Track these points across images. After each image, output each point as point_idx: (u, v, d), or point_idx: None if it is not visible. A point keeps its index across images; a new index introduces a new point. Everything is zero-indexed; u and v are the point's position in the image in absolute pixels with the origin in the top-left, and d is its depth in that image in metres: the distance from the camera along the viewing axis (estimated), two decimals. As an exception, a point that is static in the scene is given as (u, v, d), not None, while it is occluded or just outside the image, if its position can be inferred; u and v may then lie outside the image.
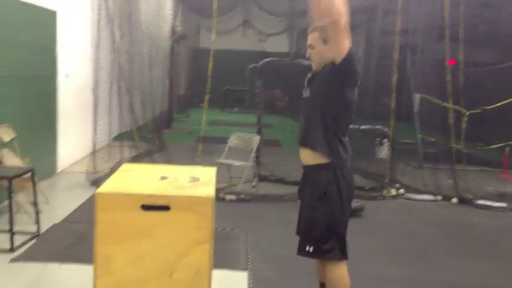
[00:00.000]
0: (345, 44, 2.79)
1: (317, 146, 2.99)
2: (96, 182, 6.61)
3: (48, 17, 6.59)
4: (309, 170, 3.09)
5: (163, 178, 3.08)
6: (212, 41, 7.23)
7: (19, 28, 5.71)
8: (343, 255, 3.00)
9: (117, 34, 7.23)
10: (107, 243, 2.71)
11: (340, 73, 2.86)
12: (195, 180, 3.08)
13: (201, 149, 6.98)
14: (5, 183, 4.28)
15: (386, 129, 7.16)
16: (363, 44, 13.19)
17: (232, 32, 15.23)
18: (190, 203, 2.72)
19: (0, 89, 5.36)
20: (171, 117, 13.54)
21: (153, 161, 7.07)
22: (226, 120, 14.28)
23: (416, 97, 8.49)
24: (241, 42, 18.18)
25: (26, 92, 5.96)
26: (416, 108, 8.56)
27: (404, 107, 8.83)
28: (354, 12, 2.96)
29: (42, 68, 6.49)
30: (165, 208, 2.72)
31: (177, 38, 13.51)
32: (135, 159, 7.31)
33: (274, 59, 7.16)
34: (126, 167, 3.41)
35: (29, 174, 4.59)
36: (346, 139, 3.03)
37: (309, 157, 3.06)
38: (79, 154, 7.99)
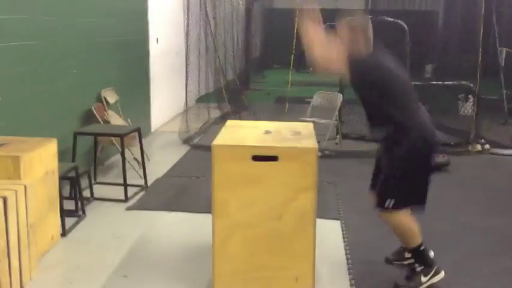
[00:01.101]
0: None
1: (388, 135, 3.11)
2: (188, 140, 7.06)
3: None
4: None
5: (267, 132, 3.37)
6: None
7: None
8: (421, 205, 3.12)
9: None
10: (223, 189, 3.03)
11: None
12: (297, 134, 3.36)
13: (287, 107, 7.25)
14: (117, 140, 4.74)
15: (471, 85, 7.10)
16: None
17: (306, -9, 15.21)
18: (296, 153, 3.00)
19: (104, 54, 5.81)
20: (248, 79, 13.86)
21: (241, 119, 7.40)
22: (302, 81, 14.40)
23: (502, 51, 8.30)
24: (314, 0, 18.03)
25: (123, 57, 6.40)
26: (501, 63, 8.37)
27: (490, 62, 8.64)
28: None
29: (136, 33, 6.92)
30: (273, 158, 3.01)
31: (251, -1, 13.67)
32: (223, 118, 7.68)
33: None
34: (231, 123, 3.72)
35: (135, 133, 5.04)
36: (418, 112, 3.11)
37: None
38: (168, 115, 8.48)
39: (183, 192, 4.98)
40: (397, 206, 3.08)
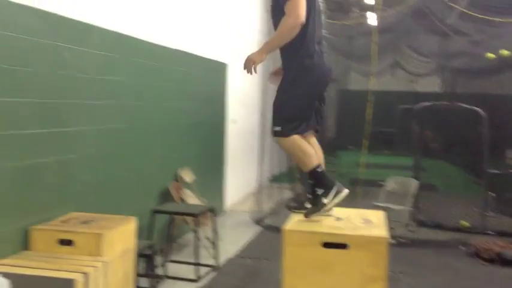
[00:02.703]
0: None
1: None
2: (260, 221, 7.12)
3: (220, 69, 7.40)
4: (284, 59, 3.39)
5: (338, 219, 3.38)
6: (370, 85, 7.49)
7: (198, 80, 6.51)
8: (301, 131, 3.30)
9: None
10: (293, 275, 3.04)
11: None
12: (368, 222, 3.34)
13: (359, 192, 7.20)
14: (191, 219, 4.88)
15: None
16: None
17: (381, 74, 15.34)
18: (367, 242, 2.98)
19: (183, 135, 6.12)
20: (321, 159, 13.91)
21: (312, 202, 7.39)
22: (376, 163, 14.30)
23: None
24: (389, 82, 18.19)
25: (201, 137, 6.70)
26: None
27: None
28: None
29: (214, 115, 7.25)
30: (343, 246, 3.01)
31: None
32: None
33: (436, 103, 7.20)
34: (302, 207, 3.77)
35: (209, 212, 5.18)
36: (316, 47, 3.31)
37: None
38: (241, 194, 8.64)
39: (253, 274, 4.99)
40: (284, 133, 3.25)
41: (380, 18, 8.71)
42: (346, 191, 3.30)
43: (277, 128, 3.29)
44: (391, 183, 7.04)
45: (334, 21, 9.08)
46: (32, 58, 3.50)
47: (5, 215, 3.24)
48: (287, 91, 3.33)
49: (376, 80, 13.92)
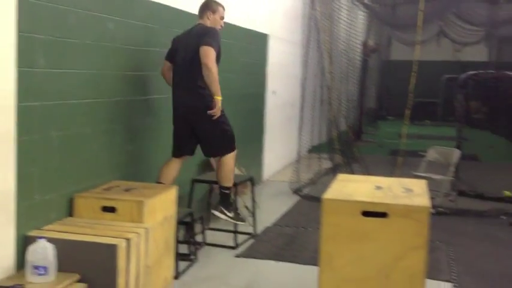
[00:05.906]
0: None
1: None
2: (298, 191, 7.14)
3: (261, 40, 7.35)
4: None
5: (378, 188, 3.36)
6: (415, 56, 7.30)
7: (240, 52, 6.49)
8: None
9: (323, 55, 7.73)
10: (331, 243, 3.06)
11: None
12: (409, 191, 3.31)
13: (400, 161, 7.12)
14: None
15: None
16: None
17: (425, 43, 14.96)
18: (408, 211, 2.96)
19: (224, 106, 6.11)
20: (360, 130, 13.78)
21: (352, 171, 7.36)
22: (418, 134, 14.06)
23: None
24: (432, 52, 17.71)
25: (242, 109, 6.69)
26: None
27: None
28: None
29: (254, 86, 7.24)
30: (383, 215, 2.99)
31: (368, 51, 13.72)
32: (334, 169, 7.68)
33: (481, 71, 6.97)
34: (341, 177, 3.77)
35: (248, 182, 5.22)
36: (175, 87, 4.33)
37: None
38: (280, 165, 8.66)
39: (291, 242, 5.04)
40: None
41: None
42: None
43: None
44: (433, 153, 6.92)
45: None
46: (78, 30, 3.54)
47: (51, 182, 3.33)
48: None
49: (420, 49, 13.58)
